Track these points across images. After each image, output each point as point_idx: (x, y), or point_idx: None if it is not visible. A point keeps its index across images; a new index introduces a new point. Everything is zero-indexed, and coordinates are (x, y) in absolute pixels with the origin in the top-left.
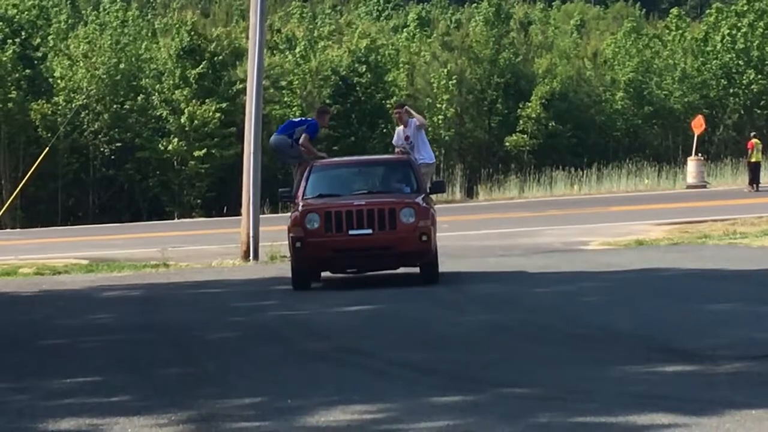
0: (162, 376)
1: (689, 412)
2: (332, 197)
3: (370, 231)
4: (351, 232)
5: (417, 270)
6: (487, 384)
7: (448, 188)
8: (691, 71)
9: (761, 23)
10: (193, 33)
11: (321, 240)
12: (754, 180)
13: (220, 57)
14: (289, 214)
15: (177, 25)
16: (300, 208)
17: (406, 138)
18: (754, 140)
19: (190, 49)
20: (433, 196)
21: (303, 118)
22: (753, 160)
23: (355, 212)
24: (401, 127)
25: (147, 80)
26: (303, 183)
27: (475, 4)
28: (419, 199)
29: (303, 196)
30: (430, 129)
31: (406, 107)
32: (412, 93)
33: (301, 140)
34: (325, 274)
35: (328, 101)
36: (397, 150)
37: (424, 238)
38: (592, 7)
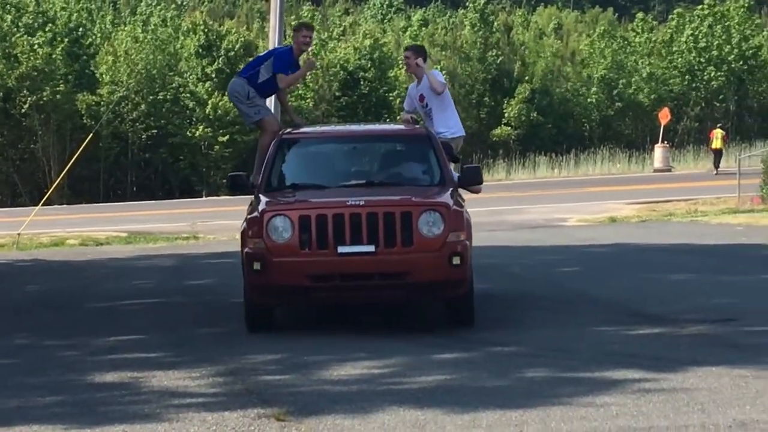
0: (193, 335)
1: (657, 369)
2: (313, 190)
3: (371, 248)
4: (341, 249)
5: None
6: (478, 343)
7: None
8: (657, 71)
9: (719, 26)
10: (207, 31)
11: (294, 260)
12: (716, 164)
13: (233, 52)
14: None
15: (193, 24)
16: (262, 206)
17: (421, 98)
18: (716, 130)
19: (207, 46)
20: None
21: (270, 50)
22: (714, 146)
23: (348, 217)
24: (414, 84)
25: (176, 76)
26: (268, 164)
27: (463, 10)
28: (446, 197)
29: (267, 185)
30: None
31: (419, 59)
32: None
33: (280, 85)
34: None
35: (337, 94)
36: (406, 117)
37: (457, 260)
38: (570, 11)
